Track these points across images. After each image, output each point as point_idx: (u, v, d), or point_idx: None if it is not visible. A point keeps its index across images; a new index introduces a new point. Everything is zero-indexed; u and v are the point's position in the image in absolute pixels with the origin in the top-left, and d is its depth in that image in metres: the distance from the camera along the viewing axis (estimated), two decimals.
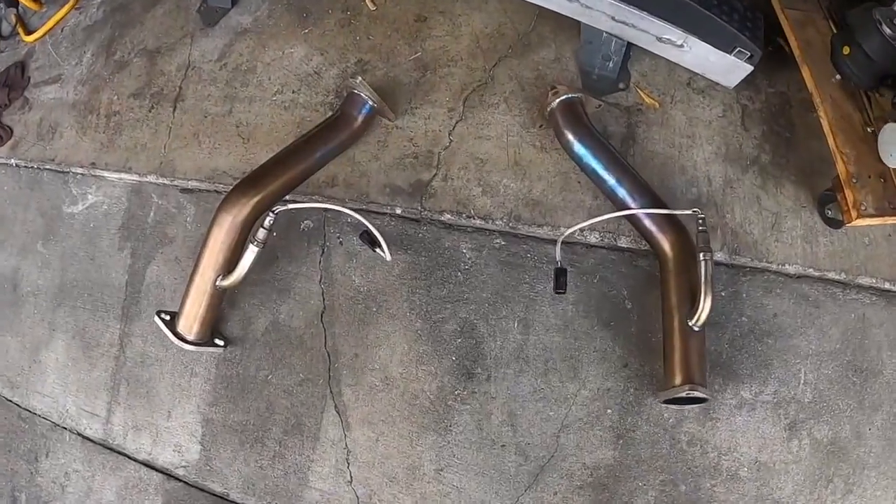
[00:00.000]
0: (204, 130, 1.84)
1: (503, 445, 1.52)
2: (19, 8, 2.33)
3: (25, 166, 2.08)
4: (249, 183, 1.55)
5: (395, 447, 1.54)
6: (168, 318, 1.62)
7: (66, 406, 1.86)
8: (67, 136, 2.03)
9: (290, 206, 1.45)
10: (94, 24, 2.20)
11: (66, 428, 1.87)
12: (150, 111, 1.94)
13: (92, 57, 2.13)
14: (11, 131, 2.17)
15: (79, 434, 1.85)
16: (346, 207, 1.48)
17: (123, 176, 1.88)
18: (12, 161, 2.11)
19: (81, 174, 1.96)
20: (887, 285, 1.58)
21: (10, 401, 1.98)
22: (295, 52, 1.86)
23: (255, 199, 1.52)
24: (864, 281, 1.57)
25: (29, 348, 1.95)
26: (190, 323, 1.59)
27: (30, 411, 1.94)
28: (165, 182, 1.82)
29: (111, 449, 1.79)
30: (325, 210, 1.64)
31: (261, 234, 1.47)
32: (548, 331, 1.55)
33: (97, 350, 1.83)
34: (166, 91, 1.94)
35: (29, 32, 2.29)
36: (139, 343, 1.77)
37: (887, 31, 1.38)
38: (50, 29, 2.25)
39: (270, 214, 1.46)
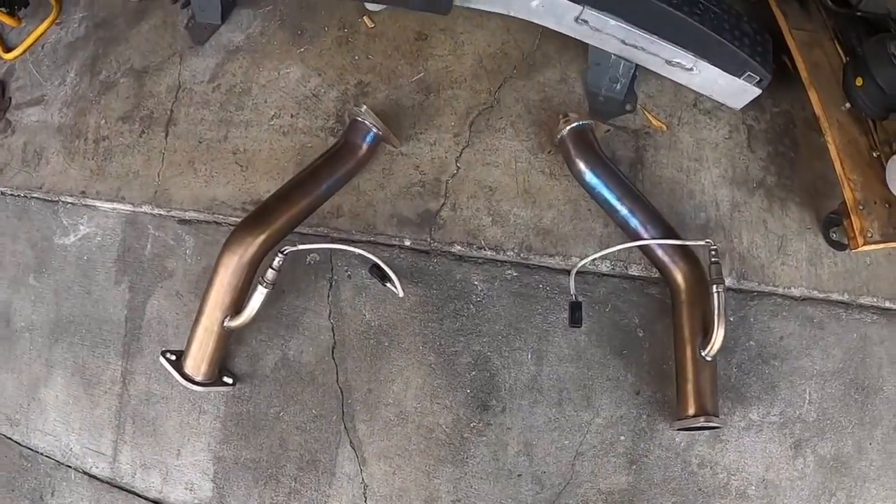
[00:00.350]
0: (199, 157, 1.73)
1: (519, 475, 1.50)
2: None
3: (12, 194, 1.95)
4: (254, 220, 1.47)
5: (412, 480, 1.51)
6: (174, 357, 1.55)
7: (70, 444, 1.78)
8: (54, 163, 1.90)
9: (300, 247, 1.37)
10: (76, 41, 2.05)
11: (70, 466, 1.79)
12: (140, 136, 1.82)
13: (76, 76, 1.98)
14: None
15: (85, 473, 1.78)
16: (358, 248, 1.42)
17: (116, 206, 1.78)
18: None
19: (72, 203, 1.84)
20: (887, 304, 1.59)
21: (11, 439, 1.89)
22: (291, 72, 1.76)
23: (262, 238, 1.45)
24: (866, 300, 1.58)
25: (27, 385, 1.86)
26: (198, 364, 1.52)
27: (31, 450, 1.85)
28: (161, 213, 1.72)
29: (120, 487, 1.73)
30: (331, 242, 1.58)
31: (270, 274, 1.40)
32: (561, 361, 1.52)
33: (99, 388, 1.74)
34: (157, 114, 1.82)
35: (7, 49, 2.13)
36: (143, 380, 1.69)
37: None
38: (30, 46, 2.09)
39: (280, 255, 1.38)
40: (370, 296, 1.57)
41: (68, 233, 1.84)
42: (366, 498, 1.53)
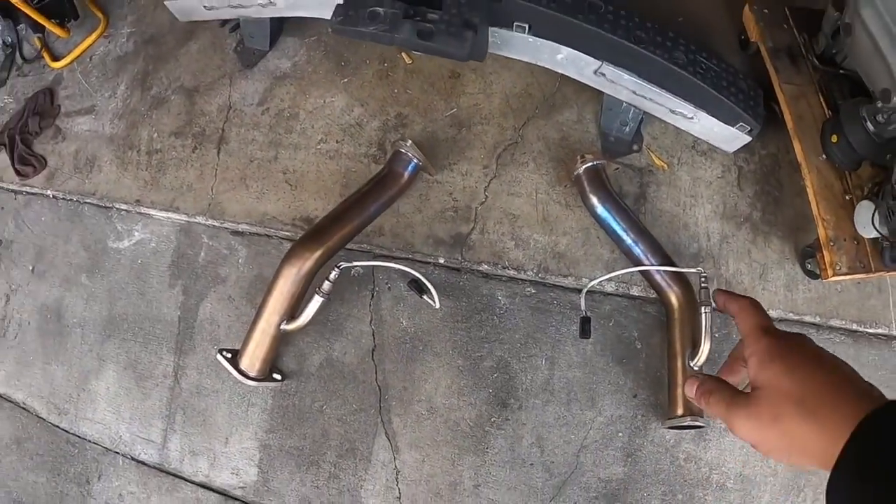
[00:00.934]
0: (251, 175, 2.14)
1: (531, 464, 1.93)
2: (45, 33, 2.53)
3: (64, 198, 2.34)
4: (311, 238, 1.88)
5: (438, 467, 1.94)
6: (230, 355, 1.96)
7: (119, 432, 2.18)
8: (107, 171, 2.29)
9: (355, 263, 1.79)
10: (125, 56, 2.44)
11: (118, 453, 2.19)
12: (193, 151, 2.22)
13: (126, 90, 2.37)
14: (45, 161, 2.41)
15: (133, 458, 2.17)
16: (399, 264, 1.84)
17: (171, 215, 2.17)
18: (49, 192, 2.36)
19: (126, 210, 2.23)
20: (854, 326, 2.05)
21: (58, 426, 2.27)
22: (336, 101, 2.18)
23: (318, 254, 1.86)
24: (836, 323, 2.03)
25: (77, 377, 2.25)
26: (253, 361, 1.93)
27: (79, 437, 2.24)
28: (215, 224, 2.13)
29: (167, 472, 2.13)
30: (375, 259, 2.00)
31: (326, 286, 1.82)
32: (570, 367, 1.96)
33: (150, 381, 2.14)
34: (209, 132, 2.23)
35: (55, 58, 2.51)
36: (194, 375, 2.09)
37: (870, 127, 1.81)
38: (77, 56, 2.47)
39: (336, 269, 1.80)
40: (407, 306, 1.99)
41: (122, 238, 2.23)
42: (398, 482, 1.95)
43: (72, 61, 2.49)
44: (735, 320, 0.67)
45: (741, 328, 0.66)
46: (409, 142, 1.94)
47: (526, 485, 1.92)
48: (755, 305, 0.67)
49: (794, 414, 0.55)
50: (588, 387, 1.95)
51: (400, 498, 1.94)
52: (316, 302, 1.83)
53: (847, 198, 2.00)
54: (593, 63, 1.95)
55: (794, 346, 0.60)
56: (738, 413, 0.59)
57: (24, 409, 2.35)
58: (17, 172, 2.44)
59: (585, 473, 1.92)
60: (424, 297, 1.92)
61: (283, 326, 1.89)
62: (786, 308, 2.00)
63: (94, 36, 2.48)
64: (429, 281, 1.91)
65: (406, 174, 1.97)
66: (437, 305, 1.89)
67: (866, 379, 0.56)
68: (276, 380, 1.99)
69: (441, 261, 1.98)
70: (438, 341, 1.95)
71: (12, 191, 2.49)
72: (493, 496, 1.92)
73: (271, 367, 1.98)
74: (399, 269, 1.90)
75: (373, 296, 1.99)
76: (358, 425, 1.96)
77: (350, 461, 1.97)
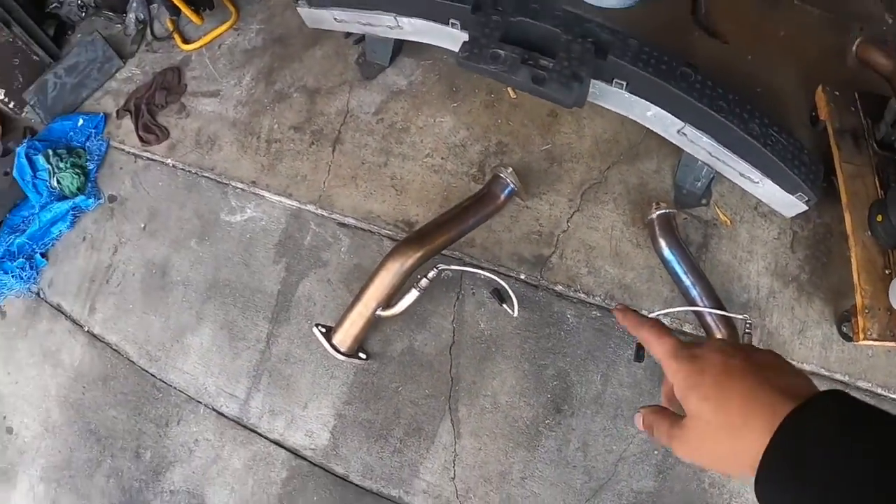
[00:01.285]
0: (361, 175, 2.57)
1: (574, 466, 2.33)
2: (179, 17, 2.99)
3: (183, 169, 2.78)
4: (416, 239, 2.30)
5: (493, 456, 2.34)
6: (324, 330, 2.38)
7: (206, 385, 2.59)
8: (227, 151, 2.73)
9: (453, 267, 2.22)
10: (252, 50, 2.89)
11: (201, 402, 2.60)
12: (310, 146, 2.66)
13: (252, 81, 2.82)
14: (168, 133, 2.85)
15: (214, 409, 2.59)
16: (495, 274, 2.26)
17: (283, 200, 2.61)
18: (169, 161, 2.80)
19: (241, 189, 2.67)
20: (880, 390, 2.43)
21: (147, 371, 2.69)
22: (444, 122, 2.61)
23: (420, 254, 2.28)
24: (862, 384, 2.42)
25: (173, 329, 2.67)
26: (345, 338, 2.34)
27: (166, 383, 2.66)
28: (324, 214, 2.56)
29: (244, 426, 2.54)
30: (464, 265, 2.42)
31: (423, 283, 2.23)
32: (621, 385, 2.36)
33: (243, 343, 2.56)
34: (326, 132, 2.67)
35: (186, 41, 2.96)
36: (285, 343, 2.51)
37: None
38: (207, 43, 2.92)
39: (435, 269, 2.22)
40: (486, 311, 2.40)
41: (235, 213, 2.67)
42: (454, 464, 2.35)
43: (201, 46, 2.94)
44: (645, 346, 0.75)
45: (655, 355, 0.73)
46: (510, 169, 2.36)
47: (567, 484, 2.31)
48: (659, 330, 0.73)
49: (719, 437, 0.63)
50: (634, 406, 2.34)
51: (454, 479, 2.34)
52: (412, 295, 2.25)
53: (886, 272, 2.40)
54: (678, 123, 2.37)
55: (704, 368, 0.66)
56: (675, 441, 0.68)
57: (115, 350, 2.77)
58: (140, 139, 2.89)
59: (620, 482, 2.31)
60: (504, 305, 2.33)
61: (379, 312, 2.30)
62: (818, 364, 2.39)
63: (225, 26, 2.93)
64: (510, 292, 2.33)
65: (502, 196, 2.40)
66: (515, 314, 2.31)
67: None
68: (361, 358, 2.40)
69: (522, 276, 2.39)
70: (510, 346, 2.36)
71: (133, 154, 2.94)
72: (537, 490, 2.32)
73: (359, 346, 2.39)
74: (488, 278, 2.32)
75: (458, 298, 2.40)
76: (427, 409, 2.37)
77: (415, 439, 2.37)
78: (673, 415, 0.70)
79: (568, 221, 2.45)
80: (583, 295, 2.37)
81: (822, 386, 2.32)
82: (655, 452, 2.31)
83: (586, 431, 2.32)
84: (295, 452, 2.47)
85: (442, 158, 2.55)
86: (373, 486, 2.39)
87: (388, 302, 2.30)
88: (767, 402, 0.60)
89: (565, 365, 2.35)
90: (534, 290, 2.39)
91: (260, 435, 2.52)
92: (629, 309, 0.78)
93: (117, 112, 3.05)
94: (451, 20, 2.36)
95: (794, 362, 2.37)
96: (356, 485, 2.40)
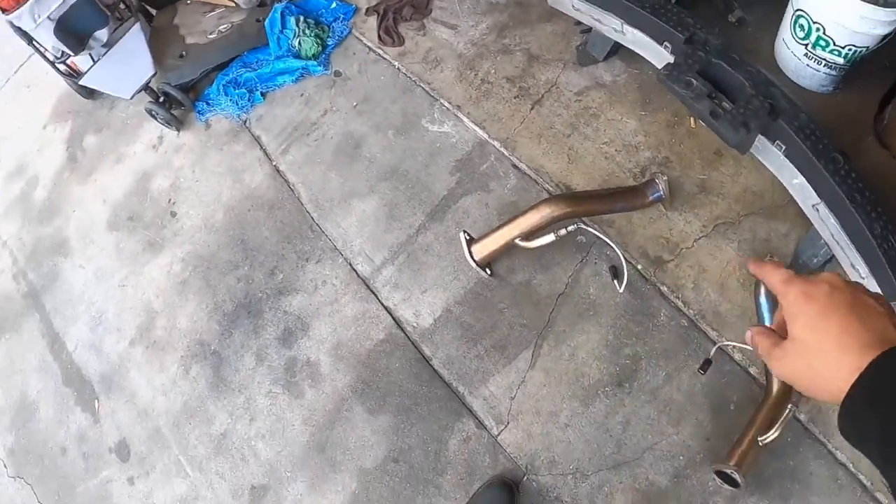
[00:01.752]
0: (546, 136, 3.31)
1: (611, 436, 2.94)
2: None
3: (405, 74, 3.61)
4: (571, 198, 3.00)
5: (551, 396, 3.00)
6: (468, 238, 3.12)
7: (352, 242, 3.39)
8: (446, 75, 3.53)
9: (590, 229, 2.92)
10: (496, 4, 3.68)
11: (342, 255, 3.41)
12: (514, 98, 3.42)
13: (486, 29, 3.61)
14: (403, 41, 3.69)
15: (350, 264, 3.39)
16: (619, 251, 2.95)
17: (477, 129, 3.38)
18: (396, 64, 3.64)
19: (447, 108, 3.46)
20: None
21: (310, 213, 3.54)
22: (629, 124, 3.30)
23: (569, 210, 2.97)
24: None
25: (346, 191, 3.49)
26: (482, 251, 3.07)
27: (321, 229, 3.49)
28: (504, 153, 3.30)
29: (368, 287, 3.33)
30: (598, 238, 3.11)
31: (562, 232, 2.93)
32: (678, 390, 2.97)
33: (398, 223, 3.34)
34: (531, 92, 3.41)
35: None
36: (431, 237, 3.27)
37: None
38: None
39: (574, 224, 2.92)
40: (599, 281, 3.07)
41: (434, 123, 3.46)
42: (519, 388, 3.02)
43: None
44: (764, 282, 0.87)
45: (770, 286, 0.86)
46: (666, 178, 3.04)
47: (598, 446, 2.93)
48: (776, 265, 0.86)
49: (813, 361, 0.75)
50: (680, 411, 2.94)
51: (513, 399, 3.03)
52: (548, 238, 2.93)
53: None
54: (815, 198, 2.95)
55: (813, 296, 0.77)
56: (773, 358, 0.82)
57: (291, 188, 3.63)
58: (379, 38, 3.74)
59: (640, 467, 2.91)
60: (615, 281, 3.01)
61: (518, 241, 3.02)
62: (850, 457, 2.94)
63: None
64: (625, 274, 3.01)
65: (650, 197, 3.06)
66: (620, 291, 2.98)
67: None
68: (486, 273, 3.13)
69: (639, 267, 3.05)
70: (605, 315, 3.03)
71: (368, 47, 3.80)
72: (572, 439, 2.97)
73: (489, 263, 3.12)
74: (612, 254, 3.00)
75: (581, 260, 3.09)
76: (519, 335, 3.06)
77: (497, 355, 3.07)
78: (777, 336, 0.83)
79: (695, 242, 3.09)
80: (680, 303, 3.01)
81: (846, 479, 2.88)
82: (680, 458, 2.89)
83: (633, 412, 2.94)
84: (398, 323, 3.23)
85: (615, 150, 3.25)
86: (446, 375, 3.11)
87: (528, 236, 3.02)
88: (863, 340, 0.71)
89: (642, 351, 2.99)
90: (643, 282, 3.04)
91: (377, 299, 3.30)
92: (760, 260, 0.92)
93: (367, 9, 3.93)
94: (665, 42, 3.04)
95: (828, 445, 2.94)
96: (434, 369, 3.14)
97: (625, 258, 3.00)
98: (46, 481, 4.09)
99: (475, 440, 3.01)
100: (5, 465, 4.31)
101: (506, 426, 2.99)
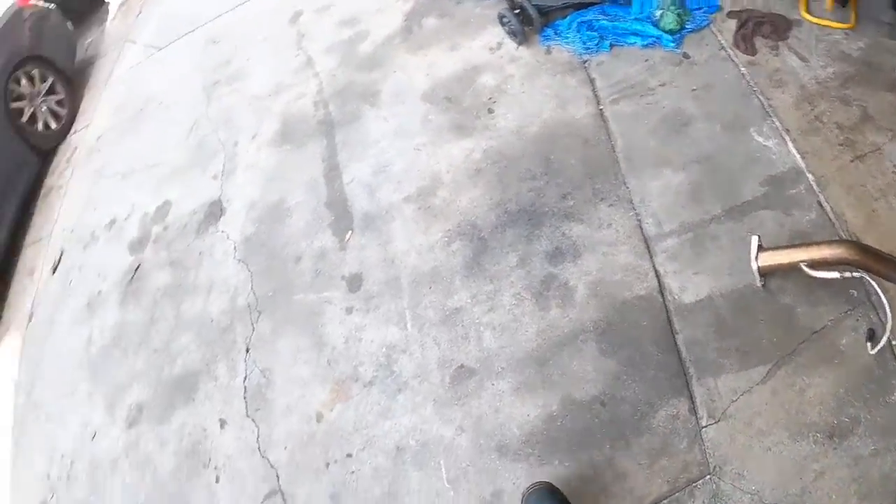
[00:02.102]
0: (856, 190, 3.70)
1: (801, 479, 2.88)
2: None
3: (748, 82, 4.18)
4: (870, 251, 3.10)
5: (767, 416, 3.00)
6: (760, 244, 3.73)
7: (650, 203, 3.95)
8: (785, 98, 3.95)
9: (873, 283, 3.50)
10: (847, 56, 4.12)
11: (635, 209, 3.98)
12: (839, 145, 3.83)
13: (833, 74, 3.96)
14: (755, 52, 4.27)
15: (638, 219, 3.90)
16: (890, 318, 3.54)
17: (798, 157, 3.79)
18: (742, 69, 4.23)
19: (776, 126, 3.91)
20: None
21: (619, 162, 4.21)
22: None
23: (861, 259, 3.28)
24: None
25: (659, 157, 4.01)
26: (768, 260, 3.54)
27: (624, 179, 4.13)
28: (815, 188, 3.75)
29: (647, 246, 3.85)
30: (869, 299, 3.49)
31: (847, 274, 3.51)
32: (879, 469, 2.81)
33: (697, 205, 3.88)
34: (857, 146, 3.66)
35: (808, 10, 4.34)
36: (722, 229, 3.77)
37: None
38: (818, 23, 4.26)
39: (861, 274, 3.50)
40: (855, 336, 3.26)
41: (761, 135, 3.97)
42: (742, 395, 3.19)
43: (814, 22, 4.30)
44: None
45: None
46: None
47: (786, 481, 2.90)
48: None
49: None
50: (871, 487, 2.85)
51: (734, 401, 3.06)
52: (833, 275, 3.23)
53: None
54: None
55: None
56: None
57: (609, 134, 4.27)
58: (734, 41, 4.36)
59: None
60: (868, 343, 3.21)
61: (804, 265, 3.51)
62: None
63: (837, 24, 4.16)
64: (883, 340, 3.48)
65: None
66: (871, 353, 3.21)
67: None
68: (760, 282, 3.43)
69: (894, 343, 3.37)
70: (846, 369, 3.11)
71: (721, 44, 4.40)
72: (767, 464, 2.91)
73: (767, 274, 3.61)
74: (877, 319, 3.53)
75: (846, 311, 3.29)
76: (764, 349, 3.50)
77: (736, 357, 3.31)
78: None
79: None
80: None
81: None
82: None
83: (830, 469, 2.92)
84: (662, 289, 3.62)
85: None
86: (684, 353, 3.36)
87: (814, 266, 3.61)
88: None
89: (864, 417, 2.98)
90: (892, 357, 3.34)
91: (652, 260, 3.74)
92: None
93: (729, 12, 4.52)
94: None
95: None
96: (676, 343, 3.39)
97: (890, 328, 3.33)
98: (269, 277, 4.86)
99: (682, 421, 3.21)
100: (235, 248, 5.09)
101: (715, 422, 3.18)
